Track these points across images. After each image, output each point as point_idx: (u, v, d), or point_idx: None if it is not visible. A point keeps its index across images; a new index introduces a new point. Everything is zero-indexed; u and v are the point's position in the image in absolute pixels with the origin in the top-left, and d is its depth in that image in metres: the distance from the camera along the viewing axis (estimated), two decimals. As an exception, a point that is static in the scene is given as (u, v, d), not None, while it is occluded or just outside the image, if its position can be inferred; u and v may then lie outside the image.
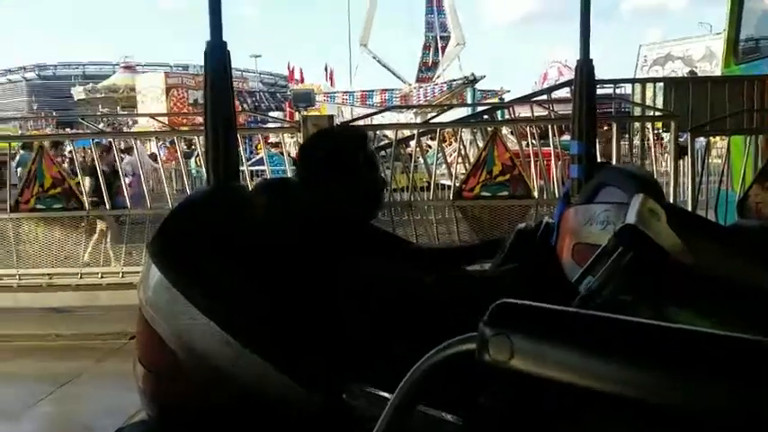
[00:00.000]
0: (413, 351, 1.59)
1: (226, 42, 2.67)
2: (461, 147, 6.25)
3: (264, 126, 8.20)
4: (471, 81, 29.38)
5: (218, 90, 2.68)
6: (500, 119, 6.85)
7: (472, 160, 5.95)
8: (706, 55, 27.43)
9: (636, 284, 1.58)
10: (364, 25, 35.13)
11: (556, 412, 1.00)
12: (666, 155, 6.71)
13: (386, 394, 1.32)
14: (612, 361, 0.71)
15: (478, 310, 0.83)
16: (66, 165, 7.57)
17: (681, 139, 5.46)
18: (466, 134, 6.95)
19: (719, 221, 4.96)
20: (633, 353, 0.72)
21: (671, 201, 4.65)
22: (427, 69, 36.03)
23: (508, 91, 30.11)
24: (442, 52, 35.20)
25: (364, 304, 1.71)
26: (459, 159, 6.18)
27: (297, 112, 29.21)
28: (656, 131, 6.85)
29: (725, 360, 0.70)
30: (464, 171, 6.00)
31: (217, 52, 2.63)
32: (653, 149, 5.92)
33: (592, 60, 3.18)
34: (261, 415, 1.52)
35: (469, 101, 25.65)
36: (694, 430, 0.73)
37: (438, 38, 35.44)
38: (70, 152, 7.65)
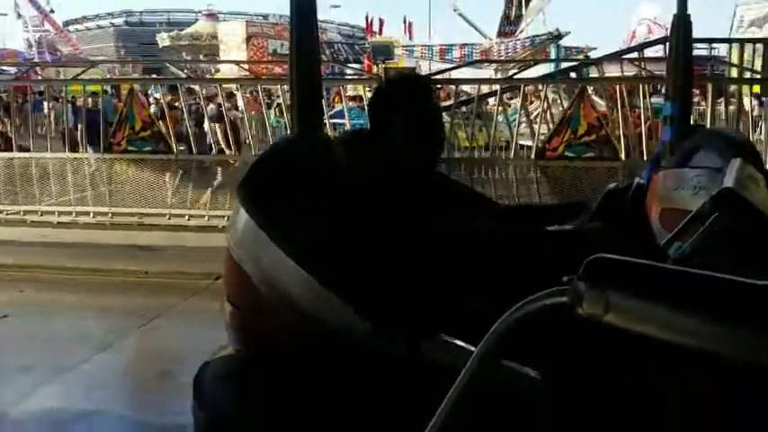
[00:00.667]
0: (492, 303, 1.60)
1: (314, -5, 2.68)
2: (546, 105, 6.08)
3: (346, 78, 8.18)
4: (556, 37, 28.22)
5: (304, 40, 2.70)
6: (587, 77, 6.60)
7: (555, 119, 5.78)
8: (811, 14, 25.42)
9: (731, 250, 1.52)
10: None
11: (637, 367, 0.99)
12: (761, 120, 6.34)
13: (467, 345, 1.34)
14: (711, 318, 0.70)
15: (559, 268, 0.82)
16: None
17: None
18: (549, 92, 6.74)
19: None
20: (732, 311, 0.71)
21: None
22: (510, 24, 34.80)
23: (594, 48, 28.92)
24: (526, 5, 33.93)
25: (441, 255, 1.72)
26: (543, 117, 6.02)
27: (375, 65, 29.13)
28: (753, 96, 6.46)
29: None
30: (545, 131, 5.85)
31: (304, 4, 2.64)
32: (750, 114, 5.60)
33: (689, 15, 3.00)
34: (342, 357, 1.57)
35: (553, 58, 24.76)
36: None
37: None
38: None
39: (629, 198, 1.99)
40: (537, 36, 30.06)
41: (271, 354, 1.68)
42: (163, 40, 43.25)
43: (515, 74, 6.58)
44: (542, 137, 5.71)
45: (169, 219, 6.27)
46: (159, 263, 5.56)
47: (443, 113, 2.09)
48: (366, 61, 31.49)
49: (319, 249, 1.61)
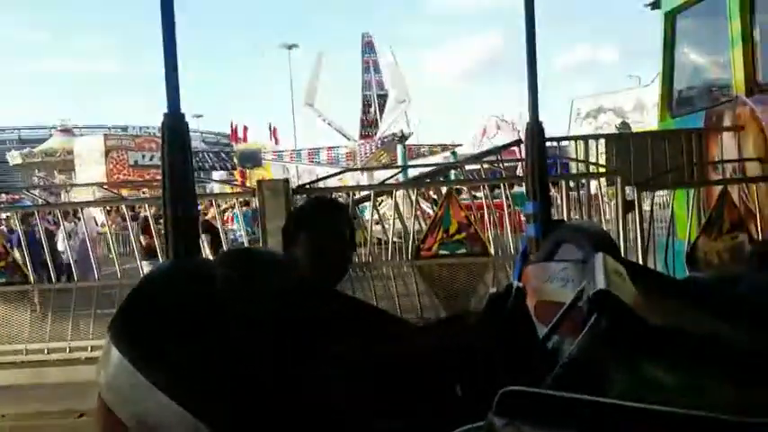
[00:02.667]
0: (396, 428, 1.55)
1: (184, 114, 2.66)
2: (417, 207, 6.32)
3: (219, 193, 8.13)
4: (400, 138, 30.96)
5: (177, 162, 2.64)
6: (454, 179, 6.97)
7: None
8: (636, 106, 28.67)
9: (612, 348, 1.58)
10: (308, 86, 35.47)
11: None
12: (606, 206, 6.91)
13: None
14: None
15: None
16: None
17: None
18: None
19: (667, 270, 5.10)
20: None
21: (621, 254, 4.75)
22: (369, 126, 36.75)
23: (460, 145, 31.36)
24: (381, 110, 36.25)
25: (343, 385, 1.67)
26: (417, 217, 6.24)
27: (246, 170, 29.48)
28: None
29: None
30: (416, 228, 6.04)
31: (176, 124, 2.61)
32: (600, 203, 6.10)
33: (541, 123, 3.27)
34: None
35: (399, 156, 27.43)
36: None
37: (375, 96, 36.45)
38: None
39: (512, 302, 2.04)
40: (386, 137, 32.49)
41: None
42: (14, 158, 41.20)
43: (387, 179, 6.84)
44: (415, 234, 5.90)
45: (26, 354, 5.74)
46: (17, 404, 5.05)
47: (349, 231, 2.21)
48: (239, 169, 31.95)
49: (205, 388, 1.50)
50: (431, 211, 6.57)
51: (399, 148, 29.67)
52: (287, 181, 5.37)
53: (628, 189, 5.19)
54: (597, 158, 6.25)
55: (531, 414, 0.75)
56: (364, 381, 1.70)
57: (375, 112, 36.61)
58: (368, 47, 37.19)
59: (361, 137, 35.89)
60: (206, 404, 1.46)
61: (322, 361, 1.66)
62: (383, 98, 36.47)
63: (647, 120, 24.32)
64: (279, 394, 1.55)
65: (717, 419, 0.75)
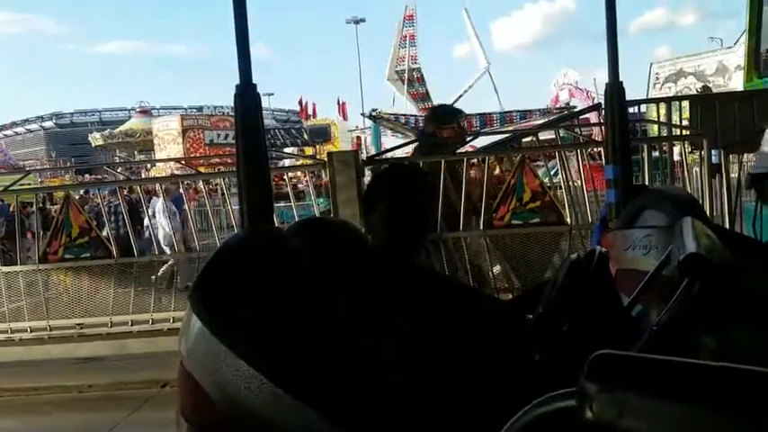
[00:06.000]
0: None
1: (256, 85, 2.68)
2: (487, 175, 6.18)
3: (291, 165, 8.22)
4: (371, 116, 31.42)
5: (249, 132, 2.67)
6: (527, 146, 6.78)
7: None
8: (719, 69, 27.31)
9: (702, 313, 1.49)
10: (392, 59, 35.28)
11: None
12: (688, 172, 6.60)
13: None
14: (741, 418, 0.64)
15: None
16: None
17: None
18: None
19: (756, 239, 4.84)
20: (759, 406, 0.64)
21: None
22: (422, 100, 36.27)
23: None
24: (417, 82, 35.78)
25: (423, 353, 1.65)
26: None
27: (313, 147, 30.06)
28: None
29: None
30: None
31: (248, 95, 2.64)
32: (685, 167, 5.83)
33: (622, 82, 3.12)
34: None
35: (372, 132, 28.75)
36: None
37: (407, 70, 35.82)
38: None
39: (594, 267, 1.96)
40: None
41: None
42: (95, 139, 43.06)
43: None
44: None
45: (111, 327, 5.93)
46: (102, 374, 5.27)
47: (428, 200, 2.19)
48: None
49: (285, 355, 1.50)
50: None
51: (373, 125, 29.86)
52: (357, 152, 5.36)
53: (713, 152, 4.93)
54: (681, 122, 5.97)
55: (626, 379, 0.69)
56: (438, 352, 1.68)
57: (422, 85, 36.20)
58: (408, 20, 36.28)
59: (419, 109, 35.77)
60: (281, 370, 1.46)
61: (392, 331, 1.64)
62: (416, 72, 35.89)
63: (731, 84, 23.16)
64: (349, 361, 1.54)
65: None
